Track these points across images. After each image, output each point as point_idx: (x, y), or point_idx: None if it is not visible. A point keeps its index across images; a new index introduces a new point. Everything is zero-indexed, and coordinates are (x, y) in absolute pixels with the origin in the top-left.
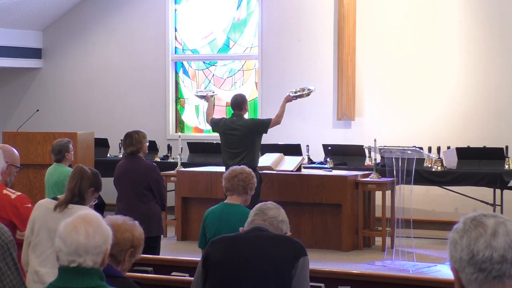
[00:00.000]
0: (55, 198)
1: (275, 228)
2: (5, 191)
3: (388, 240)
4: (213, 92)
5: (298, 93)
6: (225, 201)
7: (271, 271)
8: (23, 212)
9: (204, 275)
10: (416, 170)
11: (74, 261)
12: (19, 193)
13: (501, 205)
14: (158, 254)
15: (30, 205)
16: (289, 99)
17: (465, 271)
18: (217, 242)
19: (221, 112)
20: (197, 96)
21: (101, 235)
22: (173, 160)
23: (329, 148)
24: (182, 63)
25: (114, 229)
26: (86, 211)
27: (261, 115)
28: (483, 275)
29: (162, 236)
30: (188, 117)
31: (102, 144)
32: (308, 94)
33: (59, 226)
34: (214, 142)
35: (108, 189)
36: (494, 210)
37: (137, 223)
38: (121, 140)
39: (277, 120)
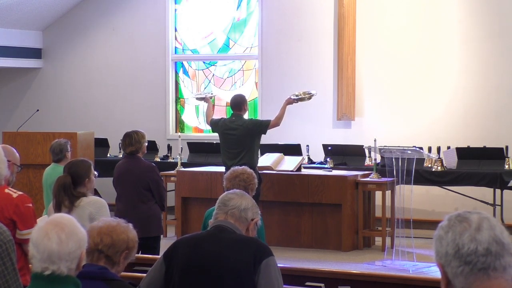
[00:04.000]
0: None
1: (237, 220)
2: (6, 190)
3: (388, 240)
4: (212, 94)
5: (300, 96)
6: None
7: (232, 283)
8: (24, 212)
9: (165, 270)
10: (416, 170)
11: (47, 268)
12: (20, 192)
13: (501, 205)
14: (158, 254)
15: (31, 205)
16: (290, 101)
17: (451, 265)
18: (181, 244)
19: (221, 112)
20: (196, 98)
21: (75, 240)
22: (173, 160)
23: (329, 148)
24: (182, 63)
25: (109, 230)
26: (60, 214)
27: (261, 115)
28: (468, 267)
29: (162, 236)
30: (188, 117)
31: (102, 144)
32: (309, 98)
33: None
34: (214, 142)
35: (108, 189)
36: (494, 210)
37: (131, 226)
38: (121, 140)
39: (277, 122)
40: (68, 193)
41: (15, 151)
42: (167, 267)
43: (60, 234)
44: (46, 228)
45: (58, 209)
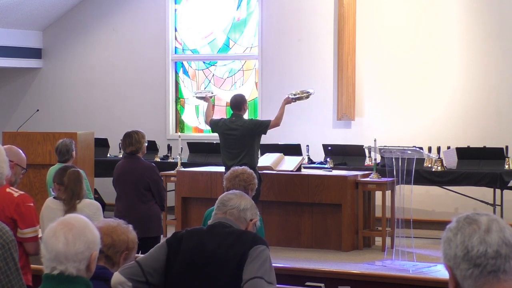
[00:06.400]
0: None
1: (236, 219)
2: (8, 190)
3: (388, 240)
4: (212, 93)
5: (297, 96)
6: None
7: (231, 277)
8: (25, 211)
9: (167, 253)
10: (416, 170)
11: (55, 268)
12: (21, 192)
13: (501, 205)
14: None
15: (32, 204)
16: (288, 101)
17: (460, 267)
18: (185, 238)
19: (221, 112)
20: (196, 97)
21: (83, 241)
22: (173, 160)
23: (329, 148)
24: (182, 63)
25: (110, 231)
26: (73, 215)
27: (261, 115)
28: (478, 270)
29: (162, 236)
30: (188, 117)
31: (102, 144)
32: (307, 97)
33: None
34: (214, 142)
35: (108, 189)
36: (494, 210)
37: (131, 227)
38: (121, 140)
39: (277, 122)
40: (81, 186)
41: (21, 152)
42: (168, 253)
43: (67, 235)
44: (55, 227)
45: (75, 198)
